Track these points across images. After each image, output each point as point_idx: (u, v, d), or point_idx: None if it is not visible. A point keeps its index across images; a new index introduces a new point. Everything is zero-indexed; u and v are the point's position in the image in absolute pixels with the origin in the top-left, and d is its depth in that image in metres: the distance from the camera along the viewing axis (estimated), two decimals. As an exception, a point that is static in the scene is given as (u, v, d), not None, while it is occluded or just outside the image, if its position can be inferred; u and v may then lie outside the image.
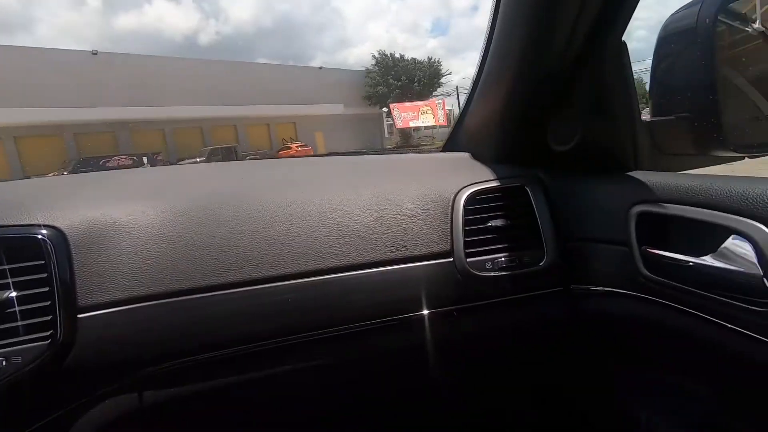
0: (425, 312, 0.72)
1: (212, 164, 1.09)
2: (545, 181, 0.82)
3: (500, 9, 0.72)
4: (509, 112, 0.83)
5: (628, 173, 0.72)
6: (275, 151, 24.99)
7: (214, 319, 0.66)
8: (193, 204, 0.72)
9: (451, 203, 0.77)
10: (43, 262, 0.60)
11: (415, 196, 0.78)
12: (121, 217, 0.68)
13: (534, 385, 0.91)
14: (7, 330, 0.57)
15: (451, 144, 1.12)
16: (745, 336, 0.50)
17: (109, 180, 0.91)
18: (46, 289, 0.59)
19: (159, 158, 20.15)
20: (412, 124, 28.26)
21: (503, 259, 0.74)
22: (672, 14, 0.74)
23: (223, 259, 0.67)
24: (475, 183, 0.79)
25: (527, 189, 0.79)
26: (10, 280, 0.58)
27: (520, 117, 0.82)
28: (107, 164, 18.21)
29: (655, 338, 0.67)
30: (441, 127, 27.41)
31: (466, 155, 0.98)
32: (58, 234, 0.63)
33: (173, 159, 20.97)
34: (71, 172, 17.02)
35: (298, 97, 26.86)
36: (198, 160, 19.49)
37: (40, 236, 0.61)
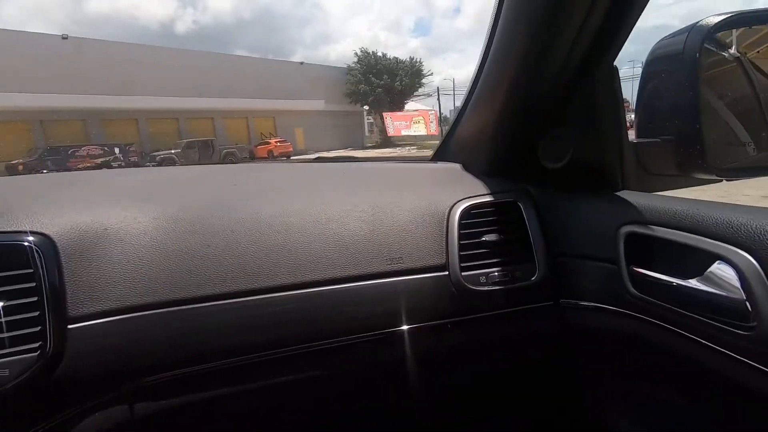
0: (420, 325, 0.73)
1: (202, 167, 1.07)
2: (535, 196, 0.84)
3: (498, 29, 0.73)
4: (502, 127, 0.84)
5: (617, 193, 0.74)
6: (253, 145, 24.61)
7: (209, 330, 0.65)
8: (186, 211, 0.71)
9: (446, 217, 0.78)
10: (31, 270, 0.58)
11: (410, 208, 0.79)
12: (113, 224, 0.66)
13: (524, 396, 0.93)
14: None
15: (441, 153, 1.13)
16: (727, 356, 0.54)
17: (94, 181, 0.88)
18: (35, 299, 0.57)
19: (132, 149, 19.45)
20: (404, 132, 28.72)
21: (496, 273, 0.76)
22: (660, 40, 0.78)
23: (218, 269, 0.67)
24: (469, 197, 0.81)
25: (519, 204, 0.81)
26: None
27: (512, 133, 0.84)
28: (76, 153, 17.51)
29: (640, 353, 0.70)
30: (432, 136, 27.76)
31: (457, 166, 1.00)
32: (47, 241, 0.61)
33: (147, 150, 20.36)
34: (38, 161, 16.33)
35: (278, 92, 26.49)
36: (173, 152, 19.00)
37: (27, 244, 0.59)
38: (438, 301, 0.74)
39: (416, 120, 28.47)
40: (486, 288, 0.75)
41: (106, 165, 17.92)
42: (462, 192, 0.83)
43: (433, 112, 29.32)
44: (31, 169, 15.91)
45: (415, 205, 0.79)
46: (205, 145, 20.67)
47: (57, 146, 17.61)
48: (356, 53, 31.25)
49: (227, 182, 0.88)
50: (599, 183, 0.77)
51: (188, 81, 23.08)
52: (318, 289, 0.69)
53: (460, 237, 0.76)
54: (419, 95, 34.45)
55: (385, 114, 28.72)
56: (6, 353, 0.55)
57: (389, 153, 23.03)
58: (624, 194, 0.73)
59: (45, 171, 15.88)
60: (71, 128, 20.01)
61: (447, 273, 0.75)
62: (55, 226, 0.63)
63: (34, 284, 0.58)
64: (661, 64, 0.73)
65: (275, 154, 23.52)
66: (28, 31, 20.35)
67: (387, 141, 31.11)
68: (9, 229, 0.61)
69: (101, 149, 18.26)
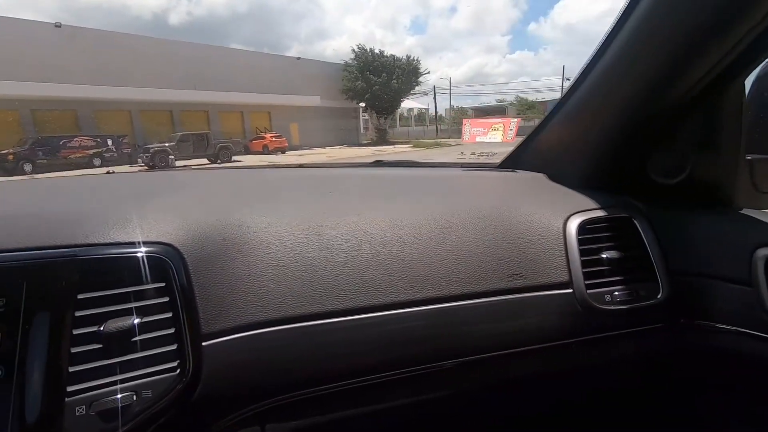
0: (543, 344, 0.71)
1: (286, 170, 1.03)
2: (644, 211, 0.82)
3: (626, 36, 0.69)
4: (610, 137, 0.82)
5: (742, 212, 0.73)
6: (248, 140, 24.38)
7: (333, 348, 0.62)
8: (298, 220, 0.68)
9: (562, 231, 0.76)
10: (164, 284, 0.55)
11: (521, 220, 0.76)
12: (230, 234, 0.63)
13: (636, 416, 0.91)
14: (130, 361, 0.52)
15: (512, 160, 1.10)
16: None
17: (194, 184, 0.85)
18: (169, 314, 0.54)
19: (125, 141, 19.18)
20: (478, 140, 27.87)
21: (620, 291, 0.74)
22: None
23: (338, 283, 0.64)
24: (581, 211, 0.79)
25: (635, 221, 0.79)
26: (133, 305, 0.53)
27: (621, 145, 0.81)
28: (68, 144, 17.22)
29: None
30: (506, 144, 27.09)
31: (541, 176, 0.97)
32: (175, 252, 0.58)
33: (140, 143, 20.01)
34: (29, 151, 16.00)
35: (274, 87, 26.24)
36: (167, 145, 18.73)
37: (158, 255, 0.56)
38: (562, 319, 0.72)
39: (495, 127, 27.68)
40: (612, 307, 0.73)
41: (99, 156, 17.65)
42: (570, 205, 0.80)
43: (516, 120, 28.36)
44: (21, 159, 15.60)
45: (525, 218, 0.77)
46: (199, 138, 20.39)
47: (48, 137, 17.25)
48: (353, 49, 31.08)
49: (321, 189, 0.85)
50: (717, 200, 0.75)
51: (183, 73, 22.74)
52: (440, 306, 0.66)
53: (581, 253, 0.74)
54: (415, 93, 34.44)
55: (464, 120, 28.53)
56: (145, 374, 0.52)
57: (390, 150, 22.94)
58: (752, 213, 0.72)
59: (37, 161, 15.60)
60: (63, 118, 19.58)
61: (571, 291, 0.72)
62: (179, 236, 0.60)
63: (167, 299, 0.55)
64: None
65: (270, 149, 23.36)
66: (20, 18, 19.73)
67: (382, 139, 31.00)
68: (134, 240, 0.57)
69: (93, 140, 17.97)
